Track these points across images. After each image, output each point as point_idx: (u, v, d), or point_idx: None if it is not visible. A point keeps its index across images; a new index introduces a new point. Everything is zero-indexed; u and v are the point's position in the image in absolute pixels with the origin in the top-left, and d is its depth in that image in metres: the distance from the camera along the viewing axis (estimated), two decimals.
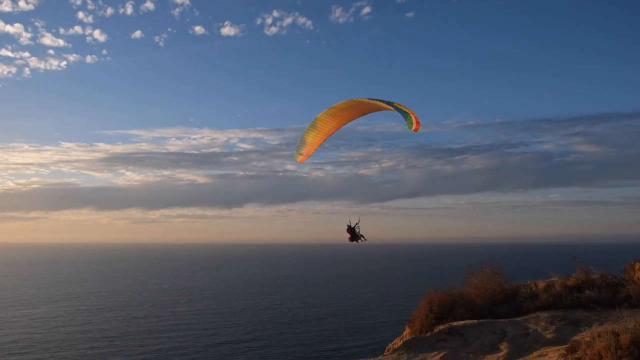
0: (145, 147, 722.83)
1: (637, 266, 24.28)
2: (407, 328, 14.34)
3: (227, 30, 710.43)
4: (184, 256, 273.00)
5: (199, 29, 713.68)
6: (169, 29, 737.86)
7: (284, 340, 49.47)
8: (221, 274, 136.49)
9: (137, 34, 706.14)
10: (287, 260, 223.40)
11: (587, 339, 9.80)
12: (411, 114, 14.96)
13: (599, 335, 9.61)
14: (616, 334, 9.45)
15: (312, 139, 16.21)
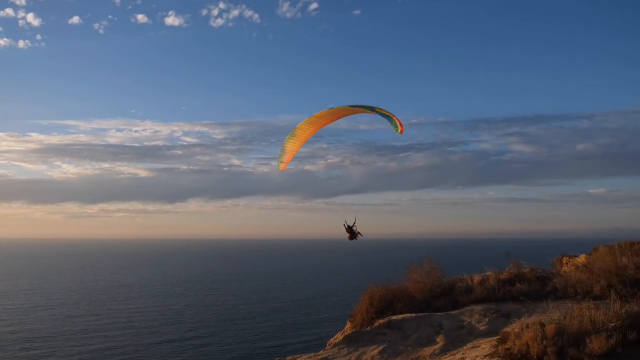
0: (83, 138, 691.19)
1: (564, 260, 25.76)
2: (348, 322, 14.57)
3: (172, 20, 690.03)
4: (123, 252, 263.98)
5: (141, 18, 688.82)
6: (110, 16, 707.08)
7: (227, 337, 48.95)
8: (162, 270, 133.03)
9: (75, 19, 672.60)
10: (231, 256, 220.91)
11: (516, 330, 10.30)
12: (393, 117, 15.71)
13: (527, 326, 10.13)
14: (542, 325, 9.99)
15: (292, 147, 16.96)
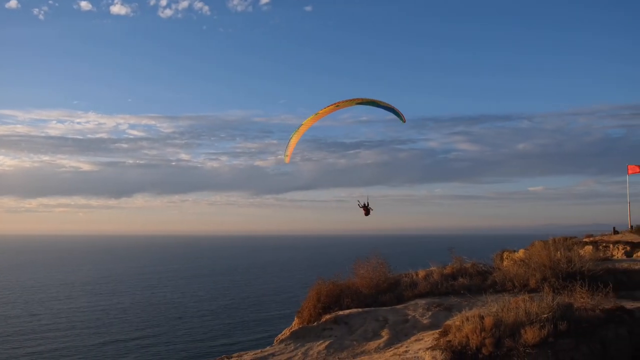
0: (20, 129, 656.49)
1: (505, 255, 26.92)
2: (296, 319, 14.64)
3: (117, 8, 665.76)
4: (64, 249, 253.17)
5: (85, 5, 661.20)
6: (51, 2, 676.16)
7: (175, 336, 48.02)
8: (107, 268, 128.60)
9: (13, 3, 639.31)
10: (179, 252, 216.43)
11: (457, 323, 10.66)
12: (396, 110, 17.65)
13: (467, 319, 10.52)
14: (482, 317, 10.41)
15: (294, 140, 18.41)
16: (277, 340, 13.38)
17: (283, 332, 13.84)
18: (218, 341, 46.27)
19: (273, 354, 11.79)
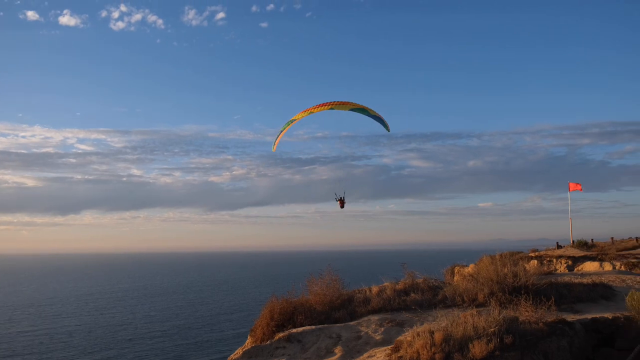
0: None
1: (456, 270, 27.55)
2: (249, 337, 14.43)
3: (66, 19, 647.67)
4: (5, 269, 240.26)
5: (31, 15, 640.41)
6: None
7: (125, 359, 46.24)
8: (52, 288, 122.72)
9: None
10: (129, 271, 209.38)
11: (408, 338, 10.81)
12: (382, 119, 18.47)
13: (418, 335, 10.68)
14: (432, 333, 10.59)
15: (284, 128, 19.11)
16: None
17: (236, 352, 13.62)
18: None
19: None
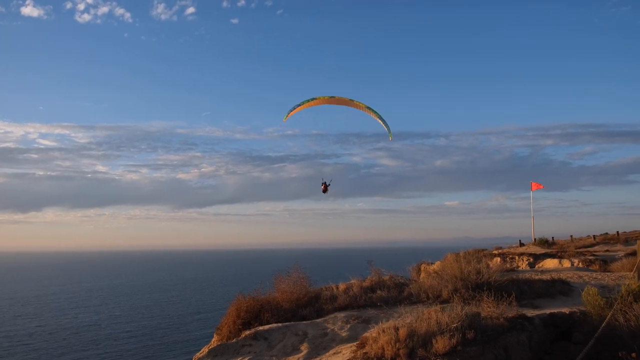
0: None
1: (422, 267, 27.98)
2: (215, 336, 14.35)
3: (29, 10, 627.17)
4: None
5: None
6: None
7: None
8: (10, 288, 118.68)
9: None
10: (93, 270, 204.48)
11: (374, 334, 10.94)
12: (385, 126, 19.11)
13: (383, 331, 10.82)
14: (397, 329, 10.75)
15: (302, 106, 19.42)
16: (195, 359, 13.05)
17: (201, 351, 13.51)
18: None
19: None
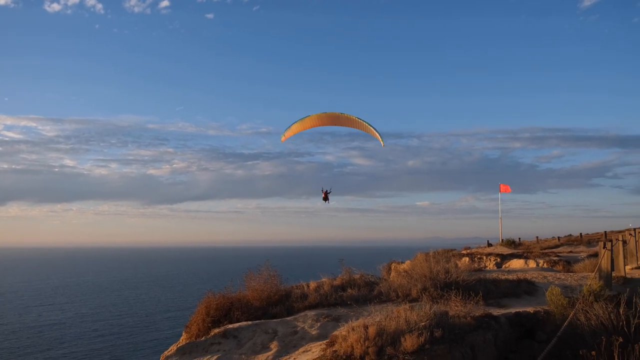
0: None
1: (393, 266, 28.29)
2: (184, 334, 14.18)
3: None
4: None
5: None
6: None
7: None
8: None
9: None
10: (60, 266, 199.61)
11: (343, 333, 11.01)
12: (377, 136, 19.82)
13: (352, 329, 10.89)
14: (366, 327, 10.84)
15: (296, 128, 20.05)
16: (163, 357, 12.89)
17: (170, 349, 13.36)
18: None
19: None
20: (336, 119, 19.94)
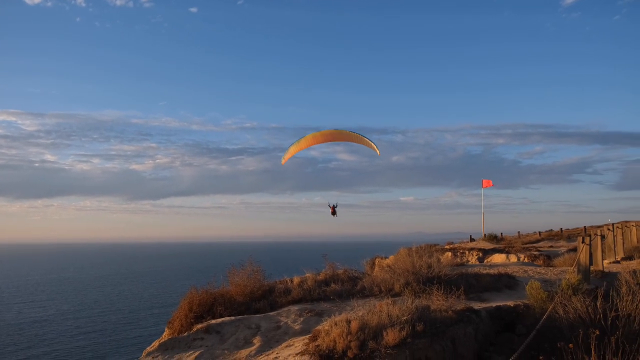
0: None
1: (376, 261, 28.43)
2: (166, 329, 14.11)
3: None
4: None
5: None
6: None
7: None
8: None
9: None
10: (41, 262, 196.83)
11: (326, 327, 11.04)
12: (374, 147, 20.60)
13: (335, 324, 10.93)
14: (348, 322, 10.89)
15: (294, 149, 20.70)
16: (145, 353, 12.80)
17: (152, 345, 13.28)
18: None
19: None
20: (331, 136, 20.63)
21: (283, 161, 21.33)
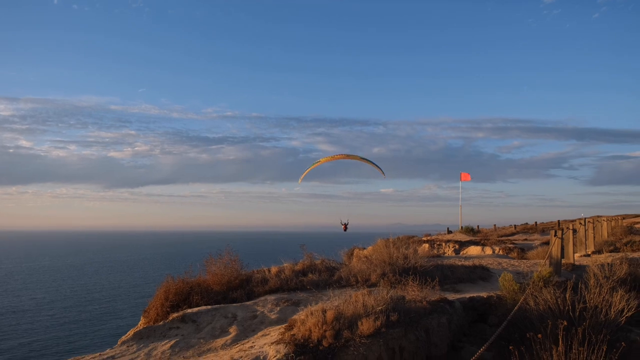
0: None
1: (355, 252, 28.62)
2: (142, 318, 14.04)
3: None
4: None
5: None
6: None
7: (7, 349, 42.75)
8: None
9: None
10: (15, 250, 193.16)
11: (302, 317, 11.12)
12: (379, 169, 23.15)
13: (311, 313, 11.02)
14: (324, 311, 10.99)
15: (309, 168, 23.50)
16: (120, 342, 12.72)
17: (127, 333, 13.20)
18: (62, 357, 42.14)
19: (114, 357, 11.18)
20: (341, 158, 23.32)
21: (299, 181, 23.79)
